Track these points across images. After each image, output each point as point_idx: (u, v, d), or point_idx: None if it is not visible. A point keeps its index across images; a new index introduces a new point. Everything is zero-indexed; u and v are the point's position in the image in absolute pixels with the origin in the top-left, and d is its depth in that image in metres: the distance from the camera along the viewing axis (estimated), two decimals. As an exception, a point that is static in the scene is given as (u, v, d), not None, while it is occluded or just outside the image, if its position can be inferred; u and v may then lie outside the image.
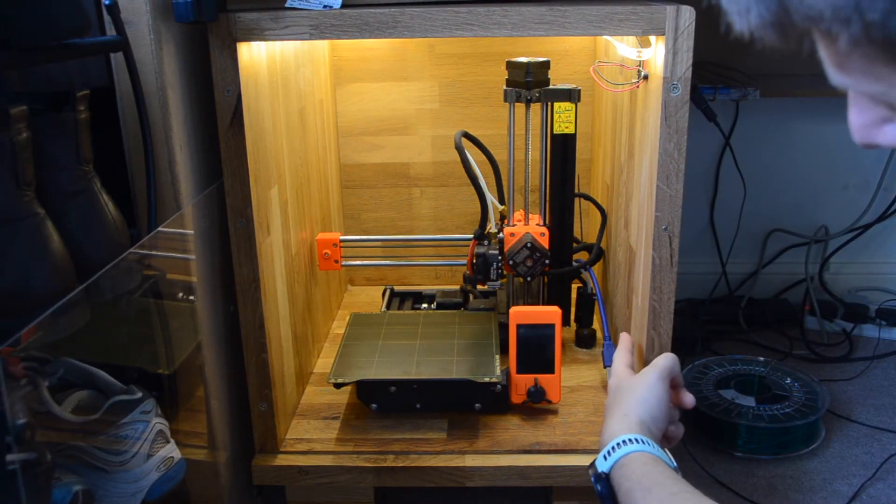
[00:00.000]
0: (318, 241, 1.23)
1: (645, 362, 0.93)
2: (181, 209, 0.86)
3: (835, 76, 0.39)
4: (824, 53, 0.39)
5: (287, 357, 1.05)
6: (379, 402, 1.05)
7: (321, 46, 1.29)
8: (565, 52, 1.32)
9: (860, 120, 0.41)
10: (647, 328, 0.92)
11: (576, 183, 1.18)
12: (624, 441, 0.75)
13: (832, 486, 1.18)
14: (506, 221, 1.18)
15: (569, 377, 1.16)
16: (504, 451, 1.00)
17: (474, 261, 1.16)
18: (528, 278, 1.16)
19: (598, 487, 0.74)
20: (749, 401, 1.27)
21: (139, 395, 0.76)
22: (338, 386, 1.05)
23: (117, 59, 0.81)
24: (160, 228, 0.82)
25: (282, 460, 1.00)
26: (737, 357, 1.44)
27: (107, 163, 0.80)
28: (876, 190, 1.68)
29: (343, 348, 1.13)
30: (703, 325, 1.61)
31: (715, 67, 1.52)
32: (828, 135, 1.66)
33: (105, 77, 0.82)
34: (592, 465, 0.77)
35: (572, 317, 1.26)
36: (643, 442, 0.75)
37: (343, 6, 0.84)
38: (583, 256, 1.25)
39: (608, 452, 0.75)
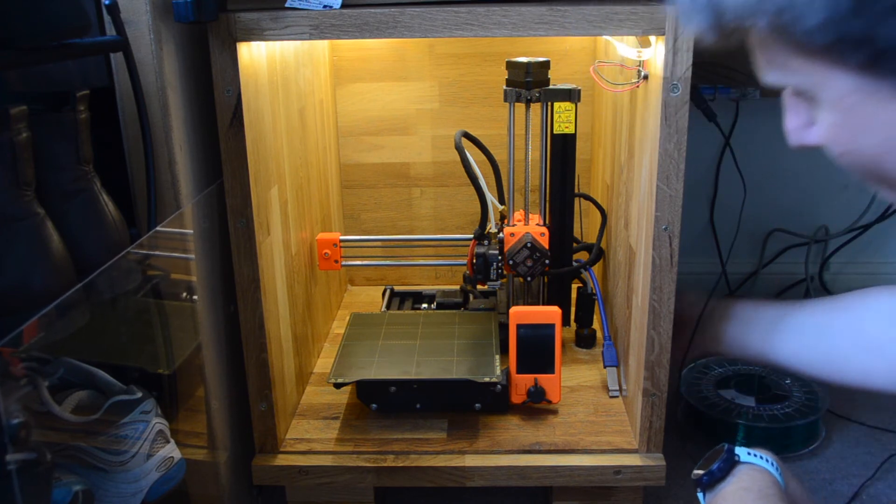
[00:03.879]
0: (318, 241, 1.23)
1: (645, 362, 0.94)
2: (181, 209, 0.86)
3: (764, 74, 0.46)
4: (755, 52, 0.46)
5: (287, 357, 1.05)
6: (379, 402, 1.05)
7: (321, 46, 1.29)
8: (565, 52, 1.32)
9: (793, 123, 0.49)
10: (647, 328, 0.92)
11: (576, 183, 1.18)
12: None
13: (832, 486, 1.18)
14: (506, 221, 1.18)
15: (569, 377, 1.16)
16: (504, 451, 1.00)
17: (474, 261, 1.16)
18: (528, 278, 1.16)
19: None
20: (749, 401, 1.27)
21: (139, 395, 0.76)
22: (338, 386, 1.05)
23: (117, 59, 0.81)
24: (159, 228, 0.82)
25: (282, 460, 1.00)
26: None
27: (107, 163, 0.80)
28: (876, 190, 1.68)
29: (343, 348, 1.13)
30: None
31: (715, 67, 1.51)
32: (828, 135, 1.65)
33: (105, 77, 0.82)
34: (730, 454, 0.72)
35: (572, 317, 1.26)
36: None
37: (343, 6, 0.84)
38: (583, 256, 1.25)
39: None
